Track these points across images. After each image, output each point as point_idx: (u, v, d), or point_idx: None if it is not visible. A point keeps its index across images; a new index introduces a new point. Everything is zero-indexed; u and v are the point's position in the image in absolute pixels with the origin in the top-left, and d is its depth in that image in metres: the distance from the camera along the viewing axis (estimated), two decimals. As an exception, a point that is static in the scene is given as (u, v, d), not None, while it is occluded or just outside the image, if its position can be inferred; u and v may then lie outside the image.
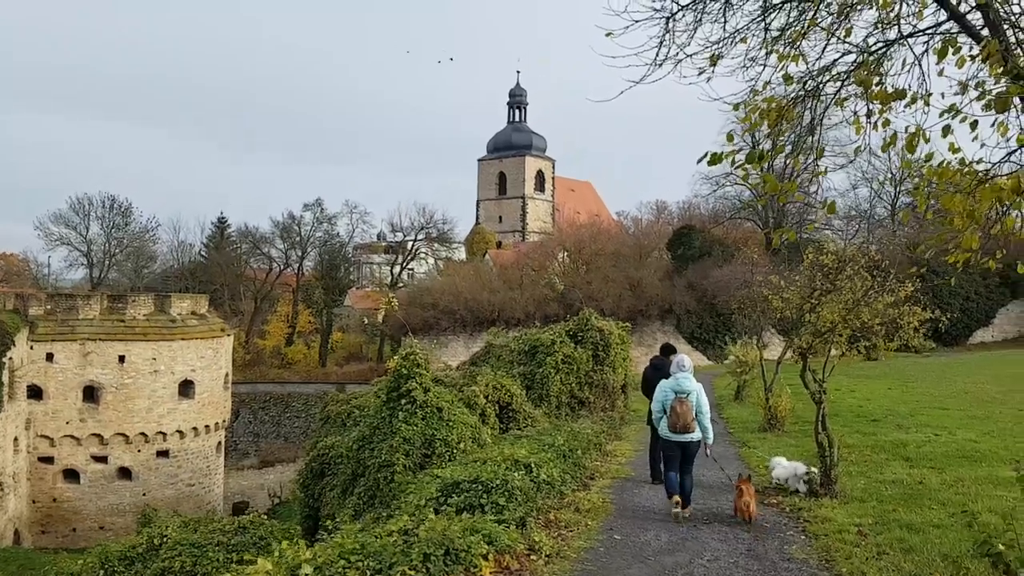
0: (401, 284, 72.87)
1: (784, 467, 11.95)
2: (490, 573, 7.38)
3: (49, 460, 31.61)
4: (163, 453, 33.24)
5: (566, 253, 58.78)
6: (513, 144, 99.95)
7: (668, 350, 14.79)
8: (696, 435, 10.58)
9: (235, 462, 45.86)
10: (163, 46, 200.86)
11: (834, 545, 8.86)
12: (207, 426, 34.87)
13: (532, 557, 8.29)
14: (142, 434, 32.56)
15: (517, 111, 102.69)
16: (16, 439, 28.79)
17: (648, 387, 14.00)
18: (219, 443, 36.59)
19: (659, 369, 13.79)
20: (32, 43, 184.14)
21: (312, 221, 74.75)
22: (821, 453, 11.61)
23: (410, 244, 76.14)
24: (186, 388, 33.86)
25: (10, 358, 27.27)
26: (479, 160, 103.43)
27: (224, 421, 36.95)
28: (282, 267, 74.86)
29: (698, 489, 11.45)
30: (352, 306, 77.38)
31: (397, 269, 75.58)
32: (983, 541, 6.59)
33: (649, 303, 51.49)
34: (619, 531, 9.78)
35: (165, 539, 16.52)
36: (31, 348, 30.39)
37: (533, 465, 11.04)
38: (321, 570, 6.69)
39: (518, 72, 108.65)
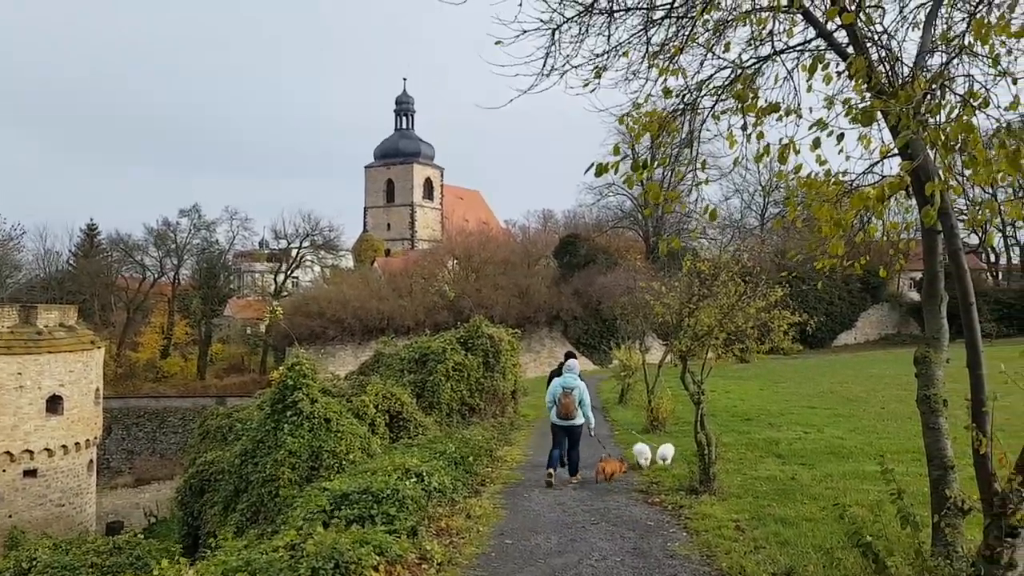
0: (286, 293, 70.95)
1: (639, 449, 14.70)
2: (381, 584, 7.30)
3: (-101, 484, 29.23)
4: (30, 472, 31.23)
5: (456, 261, 58.77)
6: (401, 151, 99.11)
7: (570, 356, 16.73)
8: (578, 420, 13.35)
9: (108, 481, 43.62)
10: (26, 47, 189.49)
11: (714, 541, 9.19)
12: (77, 443, 32.98)
13: (424, 566, 8.25)
14: (7, 453, 30.49)
15: (405, 118, 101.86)
16: None
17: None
18: (91, 461, 34.68)
19: (558, 372, 15.67)
20: None
21: (189, 228, 71.87)
22: (700, 452, 12.04)
23: (295, 251, 74.31)
24: (54, 404, 31.94)
25: None
26: (366, 167, 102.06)
27: (96, 438, 35.03)
28: (156, 276, 71.60)
29: (581, 465, 13.79)
30: (233, 316, 74.81)
31: (281, 277, 73.61)
32: (853, 532, 6.96)
33: (537, 310, 52.12)
34: (510, 535, 9.85)
35: (35, 562, 15.60)
36: None
37: (424, 473, 11.00)
38: (204, 589, 6.47)
39: (404, 79, 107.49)
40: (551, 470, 13.14)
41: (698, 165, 6.65)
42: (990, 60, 5.62)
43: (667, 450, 14.50)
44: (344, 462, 13.63)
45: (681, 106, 6.47)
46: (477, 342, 21.65)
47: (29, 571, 15.49)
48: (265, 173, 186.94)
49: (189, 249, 72.32)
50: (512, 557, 8.91)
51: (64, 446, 32.28)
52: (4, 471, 30.58)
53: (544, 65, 6.69)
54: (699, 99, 6.46)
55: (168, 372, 66.21)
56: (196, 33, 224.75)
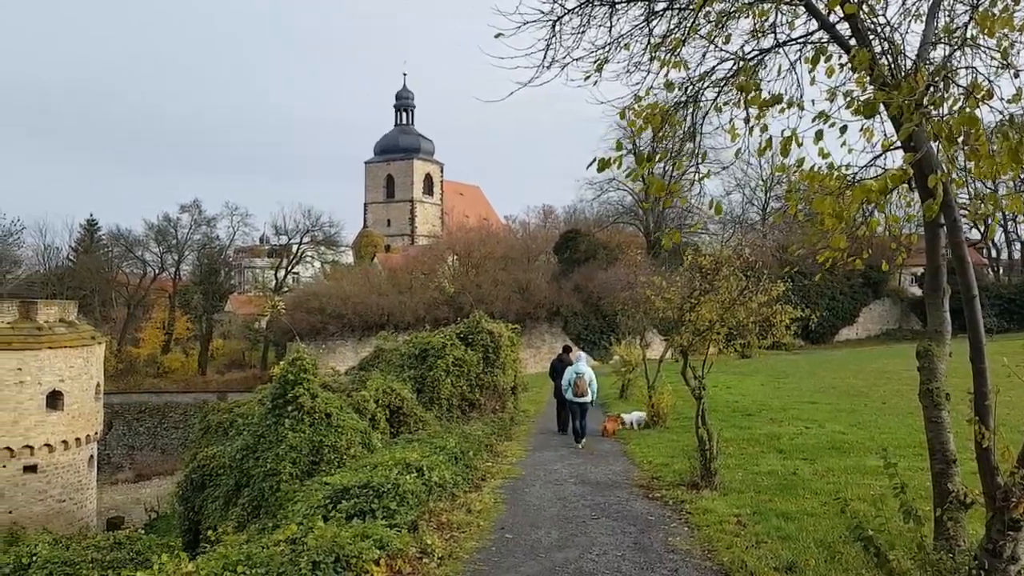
0: (286, 288, 70.97)
1: (629, 416, 19.79)
2: (381, 578, 7.28)
3: (-100, 480, 29.25)
4: (31, 468, 31.23)
5: (456, 256, 58.74)
6: (401, 147, 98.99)
7: (567, 349, 20.59)
8: (588, 398, 17.52)
9: (109, 476, 43.61)
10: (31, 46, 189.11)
11: (715, 535, 9.18)
12: (78, 439, 32.98)
13: (424, 560, 8.24)
14: (7, 448, 30.50)
15: (405, 114, 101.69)
16: None
17: (553, 373, 20.70)
18: (91, 456, 34.69)
19: (561, 362, 19.88)
20: None
21: (190, 223, 71.78)
22: (701, 447, 12.02)
23: (295, 247, 74.27)
24: (54, 399, 31.93)
25: None
26: (366, 163, 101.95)
27: (96, 433, 35.03)
28: (157, 271, 71.58)
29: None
30: (234, 311, 74.80)
31: (282, 273, 73.59)
32: (855, 527, 6.94)
33: (537, 305, 52.10)
34: (511, 530, 9.84)
35: (35, 558, 15.57)
36: None
37: (424, 468, 10.98)
38: (204, 583, 6.45)
39: (404, 75, 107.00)
40: (565, 434, 18.47)
41: (700, 159, 6.62)
42: (998, 53, 5.59)
43: (638, 415, 19.82)
44: (345, 457, 13.61)
45: (683, 98, 6.43)
46: (477, 337, 21.61)
47: (29, 567, 15.47)
48: (263, 171, 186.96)
49: (190, 245, 72.29)
50: (513, 551, 8.91)
51: (64, 442, 32.28)
52: (4, 467, 30.59)
53: (545, 57, 6.66)
54: (701, 91, 6.43)
55: (169, 368, 66.20)
56: (192, 33, 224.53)
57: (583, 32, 6.65)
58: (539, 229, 75.97)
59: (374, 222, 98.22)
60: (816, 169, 6.09)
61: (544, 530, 9.83)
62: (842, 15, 5.93)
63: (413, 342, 22.25)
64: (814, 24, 6.52)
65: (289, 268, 74.26)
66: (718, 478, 11.86)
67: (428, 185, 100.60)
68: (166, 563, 6.55)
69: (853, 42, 6.19)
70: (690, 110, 6.50)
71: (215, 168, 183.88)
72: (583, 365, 17.75)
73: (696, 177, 6.62)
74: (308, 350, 16.37)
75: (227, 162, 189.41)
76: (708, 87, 6.42)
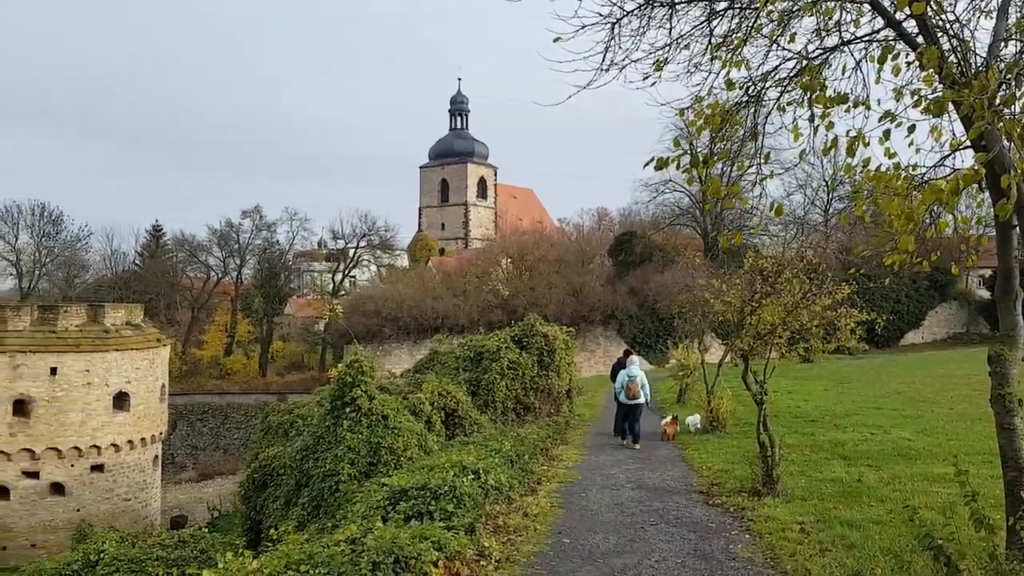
0: (343, 292, 71.98)
1: (690, 420, 19.84)
2: (440, 580, 7.31)
3: (-24, 477, 30.39)
4: (98, 467, 32.18)
5: (509, 259, 58.84)
6: (455, 151, 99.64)
7: (627, 352, 20.47)
8: (640, 400, 18.05)
9: (173, 475, 44.69)
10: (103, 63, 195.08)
11: (778, 543, 9.01)
12: (143, 439, 33.89)
13: (482, 563, 8.25)
14: (75, 448, 31.47)
15: (459, 118, 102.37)
16: (-60, 456, 27.62)
17: (613, 376, 20.54)
18: (156, 456, 35.61)
19: (622, 366, 19.75)
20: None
21: (251, 228, 73.37)
22: (763, 453, 11.82)
23: (352, 251, 75.27)
24: (121, 400, 32.85)
25: (-66, 372, 26.17)
26: (421, 167, 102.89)
27: (161, 433, 35.95)
28: (220, 275, 73.27)
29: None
30: (293, 314, 76.18)
31: (339, 277, 74.66)
32: (924, 535, 6.76)
33: (592, 308, 51.90)
34: (568, 534, 9.80)
35: (102, 555, 15.99)
36: (-44, 361, 29.18)
37: (481, 471, 10.99)
38: (268, 581, 6.55)
39: (459, 79, 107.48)
40: (623, 439, 18.20)
41: (762, 159, 6.51)
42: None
43: (695, 418, 19.94)
44: (401, 458, 13.73)
45: (745, 98, 6.34)
46: (532, 340, 21.62)
47: (97, 564, 15.89)
48: (317, 175, 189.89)
49: (251, 249, 73.88)
50: (570, 556, 8.87)
51: (130, 441, 33.18)
52: (72, 466, 31.57)
53: (603, 60, 6.62)
54: (764, 91, 6.33)
55: (231, 369, 67.70)
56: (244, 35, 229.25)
57: (643, 34, 6.60)
58: (593, 232, 75.59)
59: (428, 226, 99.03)
60: (882, 169, 5.95)
61: (602, 535, 9.77)
62: (909, 12, 5.79)
63: (468, 345, 22.37)
64: (880, 22, 6.37)
65: (346, 272, 75.32)
66: (780, 485, 11.64)
67: (482, 188, 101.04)
68: (231, 562, 6.67)
69: (921, 39, 6.03)
70: (752, 110, 6.40)
71: (280, 173, 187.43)
72: (635, 368, 18.42)
73: (758, 178, 6.52)
74: (364, 352, 16.55)
75: (292, 165, 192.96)
76: (771, 86, 6.32)
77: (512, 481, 11.97)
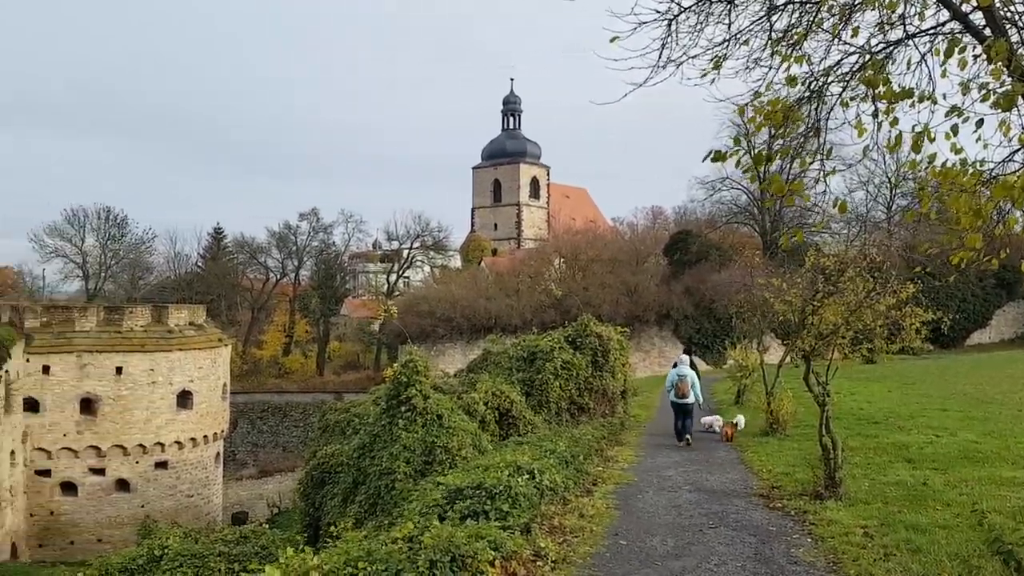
0: (397, 292, 72.73)
1: (707, 419, 20.36)
2: (497, 579, 7.33)
3: (46, 473, 31.40)
4: (161, 464, 33.06)
5: (562, 259, 58.72)
6: (507, 151, 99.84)
7: (687, 351, 21.91)
8: (690, 399, 18.43)
9: (233, 472, 45.59)
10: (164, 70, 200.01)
11: (840, 547, 8.83)
12: (206, 436, 34.71)
13: (538, 563, 8.25)
14: (140, 445, 32.38)
15: (511, 118, 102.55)
16: (13, 452, 28.59)
17: None
18: (218, 453, 36.43)
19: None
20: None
21: (308, 230, 74.79)
22: (825, 456, 11.59)
23: (406, 252, 76.06)
24: (184, 399, 33.70)
25: (6, 371, 27.09)
26: (473, 168, 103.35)
27: (222, 431, 36.78)
28: (278, 277, 74.76)
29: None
30: (349, 315, 77.30)
31: (393, 277, 75.47)
32: (994, 540, 6.57)
33: (646, 308, 51.50)
34: (624, 536, 9.74)
35: (166, 550, 16.42)
36: (27, 361, 30.20)
37: (536, 471, 10.98)
38: (328, 577, 6.64)
39: (512, 80, 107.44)
40: (682, 439, 18.20)
41: (825, 155, 6.37)
42: None
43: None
44: (456, 458, 13.80)
45: (806, 94, 6.22)
46: (585, 341, 21.52)
47: (161, 559, 16.33)
48: (376, 181, 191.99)
49: (308, 251, 75.26)
50: (627, 558, 8.81)
51: (193, 439, 34.01)
52: (137, 462, 32.48)
53: (660, 57, 6.55)
54: (826, 86, 6.20)
55: (290, 368, 68.99)
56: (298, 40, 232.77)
57: (701, 30, 6.51)
58: (648, 230, 75.03)
59: (481, 226, 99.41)
60: (949, 165, 5.78)
61: (659, 537, 9.68)
62: (976, 4, 5.62)
63: (521, 345, 22.36)
64: (945, 14, 6.19)
65: (400, 272, 76.12)
66: (843, 488, 11.40)
67: (534, 188, 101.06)
68: (291, 558, 6.76)
69: (988, 32, 5.84)
70: (814, 106, 6.28)
71: (330, 175, 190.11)
72: (685, 368, 18.99)
73: (821, 175, 6.39)
74: (419, 352, 16.68)
75: (350, 166, 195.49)
76: (833, 82, 6.19)
77: (567, 482, 11.94)
